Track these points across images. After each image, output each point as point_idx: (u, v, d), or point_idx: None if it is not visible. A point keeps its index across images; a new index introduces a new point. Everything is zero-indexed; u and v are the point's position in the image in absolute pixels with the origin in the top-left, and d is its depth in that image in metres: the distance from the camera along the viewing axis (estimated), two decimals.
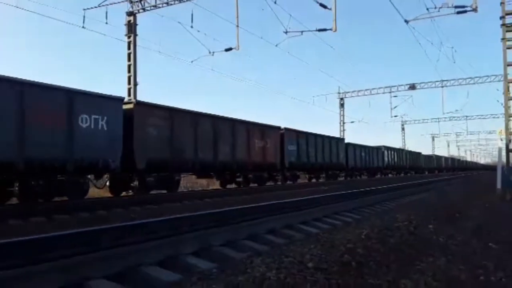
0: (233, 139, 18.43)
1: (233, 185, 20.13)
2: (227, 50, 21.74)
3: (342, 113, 43.61)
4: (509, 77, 15.68)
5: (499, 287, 4.26)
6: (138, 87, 19.66)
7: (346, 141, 34.27)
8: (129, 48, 19.66)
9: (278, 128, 22.82)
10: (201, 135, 16.38)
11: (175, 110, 15.53)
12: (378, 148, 40.81)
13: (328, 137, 29.60)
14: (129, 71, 19.71)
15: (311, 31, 20.89)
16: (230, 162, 18.25)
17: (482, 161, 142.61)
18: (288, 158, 23.21)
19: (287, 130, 23.63)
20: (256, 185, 20.32)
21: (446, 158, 79.47)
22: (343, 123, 43.38)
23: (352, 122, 45.01)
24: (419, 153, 58.33)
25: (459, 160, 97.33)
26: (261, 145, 20.59)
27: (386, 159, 42.30)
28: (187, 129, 15.73)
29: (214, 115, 17.75)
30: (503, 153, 16.48)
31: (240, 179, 19.95)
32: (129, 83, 19.66)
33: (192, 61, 23.05)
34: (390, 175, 45.31)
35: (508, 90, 15.93)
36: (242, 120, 19.76)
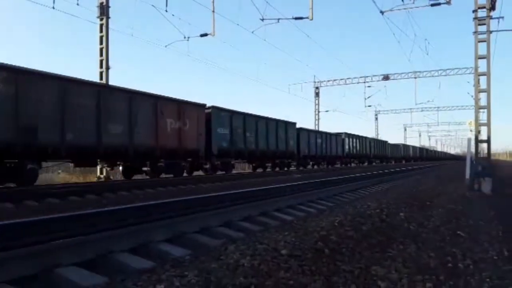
0: (130, 117, 14.58)
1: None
2: (202, 35, 21.51)
3: (317, 102, 43.90)
4: (480, 70, 16.03)
5: (466, 274, 4.38)
6: (110, 71, 19.26)
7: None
8: (101, 31, 19.17)
9: (203, 106, 18.82)
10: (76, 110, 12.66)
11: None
12: (337, 135, 37.35)
13: (275, 120, 25.42)
14: (101, 55, 19.25)
15: (288, 19, 20.86)
16: (125, 147, 14.38)
17: (452, 151, 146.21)
18: (218, 144, 19.48)
19: (216, 108, 19.79)
20: (172, 176, 16.89)
21: (414, 148, 77.20)
22: (318, 112, 43.71)
23: (326, 111, 45.39)
24: (385, 142, 56.19)
25: (428, 150, 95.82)
26: (177, 126, 16.89)
27: (347, 147, 39.03)
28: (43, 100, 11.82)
29: (99, 84, 15.41)
30: (472, 144, 16.91)
31: (146, 169, 16.45)
32: (101, 66, 19.22)
33: (166, 46, 22.72)
34: (352, 164, 41.72)
35: (479, 83, 16.29)
36: (146, 93, 15.85)
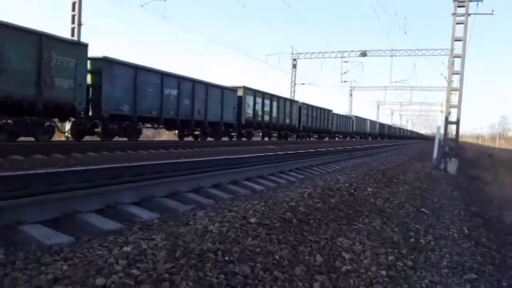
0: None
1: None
2: None
3: (294, 74, 43.77)
4: (455, 52, 16.23)
5: (427, 249, 4.53)
6: (82, 27, 18.57)
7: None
8: None
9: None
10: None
11: None
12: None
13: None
14: (73, 10, 18.51)
15: None
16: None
17: (422, 131, 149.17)
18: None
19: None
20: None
21: (373, 123, 64.77)
22: (295, 84, 43.64)
23: (303, 84, 45.29)
24: (329, 110, 40.86)
25: (391, 127, 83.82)
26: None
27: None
28: None
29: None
30: (442, 125, 17.29)
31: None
32: (72, 22, 18.51)
33: (142, 5, 22.02)
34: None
35: (453, 65, 16.53)
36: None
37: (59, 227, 3.62)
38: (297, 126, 32.89)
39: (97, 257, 2.64)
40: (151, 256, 2.73)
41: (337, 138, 45.20)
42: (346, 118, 48.94)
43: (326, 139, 40.73)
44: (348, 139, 48.84)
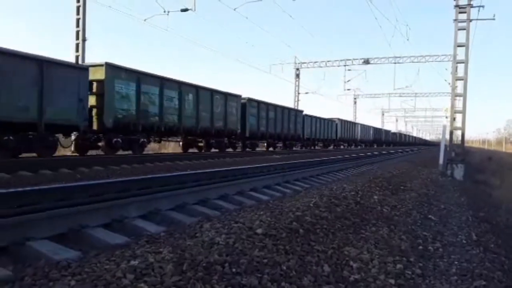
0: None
1: None
2: (183, 10, 21.12)
3: (297, 84, 43.86)
4: (458, 58, 16.23)
5: (436, 256, 4.50)
6: (86, 43, 18.75)
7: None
8: (78, 0, 18.61)
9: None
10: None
11: None
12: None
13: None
14: (77, 26, 18.71)
15: None
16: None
17: (427, 137, 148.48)
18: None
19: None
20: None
21: (365, 128, 54.40)
22: (298, 93, 43.70)
23: (306, 93, 45.33)
24: (300, 111, 33.14)
25: (388, 132, 74.11)
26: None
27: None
28: None
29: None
30: (447, 130, 17.23)
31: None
32: (77, 38, 18.70)
33: (145, 20, 22.21)
34: None
35: (456, 70, 16.52)
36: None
37: (66, 242, 3.64)
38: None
39: (104, 272, 2.65)
40: (158, 269, 2.73)
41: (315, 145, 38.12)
42: (325, 122, 38.27)
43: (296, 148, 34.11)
44: (331, 147, 40.42)
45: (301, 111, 33.21)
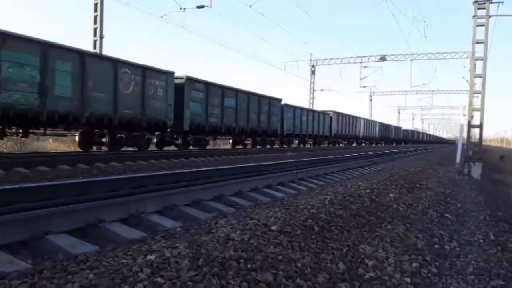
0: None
1: None
2: (199, 7, 21.22)
3: (312, 81, 43.71)
4: (476, 55, 15.99)
5: (452, 255, 4.45)
6: (104, 40, 18.96)
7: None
8: None
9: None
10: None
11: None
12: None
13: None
14: (95, 23, 18.92)
15: None
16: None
17: (444, 135, 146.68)
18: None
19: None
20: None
21: (369, 122, 48.72)
22: (313, 90, 43.56)
23: (322, 90, 45.16)
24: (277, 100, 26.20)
25: (398, 128, 67.12)
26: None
27: None
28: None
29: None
30: (465, 128, 17.01)
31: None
32: (95, 35, 18.92)
33: (162, 16, 22.35)
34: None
35: (475, 68, 16.28)
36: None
37: (84, 237, 3.70)
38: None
39: (122, 266, 2.69)
40: (174, 264, 2.76)
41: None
42: (315, 115, 32.66)
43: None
44: (327, 144, 35.90)
45: (279, 100, 25.88)
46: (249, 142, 23.99)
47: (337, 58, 43.15)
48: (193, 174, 7.06)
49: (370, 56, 42.45)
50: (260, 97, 23.31)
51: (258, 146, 23.96)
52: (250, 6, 23.36)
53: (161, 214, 4.78)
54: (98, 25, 18.79)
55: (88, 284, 2.40)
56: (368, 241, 4.29)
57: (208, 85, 18.64)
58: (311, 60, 43.35)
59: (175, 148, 18.42)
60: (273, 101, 24.81)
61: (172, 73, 16.31)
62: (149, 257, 2.86)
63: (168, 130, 16.61)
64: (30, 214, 3.62)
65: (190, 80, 17.48)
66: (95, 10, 18.85)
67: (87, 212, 4.04)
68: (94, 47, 18.75)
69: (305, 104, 39.38)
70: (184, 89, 17.04)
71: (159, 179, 6.24)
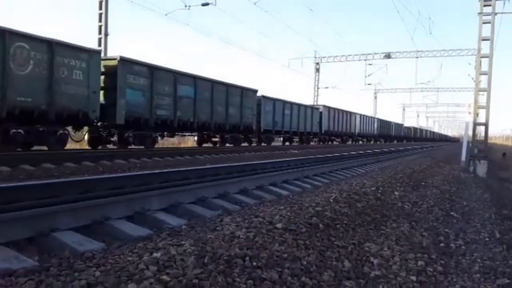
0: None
1: None
2: (204, 5, 21.24)
3: (317, 78, 43.63)
4: (482, 52, 15.91)
5: (458, 254, 4.44)
6: (108, 37, 19.03)
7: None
8: None
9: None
10: None
11: None
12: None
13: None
14: (100, 20, 19.00)
15: None
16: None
17: (449, 133, 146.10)
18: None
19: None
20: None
21: (365, 118, 45.34)
22: (318, 88, 43.49)
23: (326, 87, 45.07)
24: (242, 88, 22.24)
25: (399, 126, 65.08)
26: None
27: None
28: None
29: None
30: (470, 126, 16.93)
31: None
32: (99, 33, 19.00)
33: (166, 14, 22.37)
34: None
35: (480, 65, 16.20)
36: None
37: (90, 234, 3.71)
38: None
39: (128, 263, 2.69)
40: (180, 262, 2.77)
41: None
42: (302, 109, 29.47)
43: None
44: (314, 143, 32.98)
45: (255, 91, 22.60)
46: (217, 140, 20.80)
47: (342, 55, 43.07)
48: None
49: (375, 53, 42.32)
50: (228, 87, 19.91)
51: (227, 144, 20.75)
52: (255, 4, 23.32)
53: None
54: (103, 23, 18.85)
55: (94, 282, 2.41)
56: (373, 239, 4.28)
57: (153, 68, 15.15)
58: (315, 57, 43.26)
59: (114, 147, 15.28)
60: (246, 92, 21.43)
61: (97, 51, 13.52)
62: (155, 254, 2.87)
63: (94, 123, 13.38)
64: (37, 212, 3.64)
65: (125, 61, 14.02)
66: (100, 8, 18.92)
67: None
68: (99, 45, 18.82)
69: (310, 102, 39.15)
70: (117, 73, 13.61)
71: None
